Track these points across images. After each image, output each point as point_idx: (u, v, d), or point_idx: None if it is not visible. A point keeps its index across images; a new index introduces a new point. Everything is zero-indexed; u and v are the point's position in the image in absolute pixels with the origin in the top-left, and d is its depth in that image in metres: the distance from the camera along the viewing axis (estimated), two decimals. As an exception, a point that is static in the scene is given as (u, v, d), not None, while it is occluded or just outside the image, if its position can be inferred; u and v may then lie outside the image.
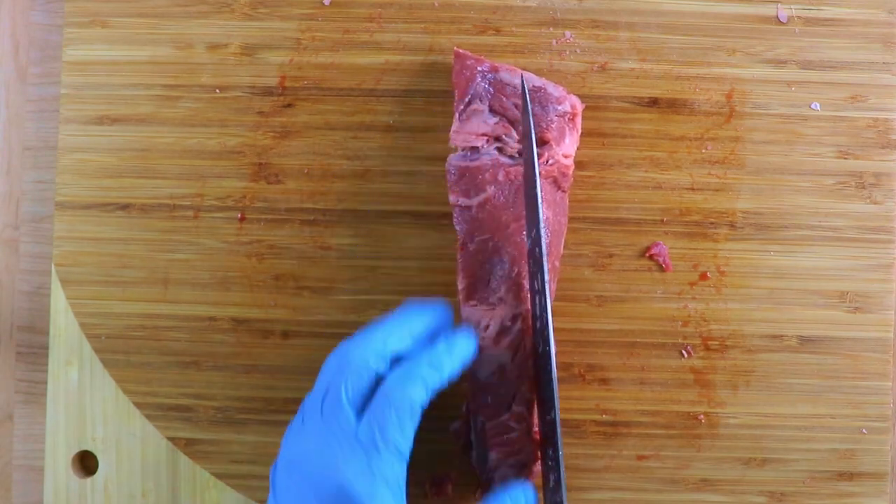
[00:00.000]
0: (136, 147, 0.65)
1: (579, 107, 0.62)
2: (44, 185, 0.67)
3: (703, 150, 0.65)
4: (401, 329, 0.55)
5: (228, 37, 0.65)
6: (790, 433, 0.64)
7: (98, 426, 0.65)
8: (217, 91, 0.65)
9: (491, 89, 0.61)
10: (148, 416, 0.65)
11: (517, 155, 0.60)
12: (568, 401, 0.65)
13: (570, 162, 0.61)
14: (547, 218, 0.60)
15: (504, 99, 0.60)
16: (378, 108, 0.65)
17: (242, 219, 0.65)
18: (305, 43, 0.65)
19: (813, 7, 0.65)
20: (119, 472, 0.65)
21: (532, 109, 0.60)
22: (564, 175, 0.61)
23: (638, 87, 0.65)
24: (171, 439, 0.65)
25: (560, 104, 0.61)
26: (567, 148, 0.61)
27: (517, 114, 0.60)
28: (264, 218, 0.65)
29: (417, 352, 0.54)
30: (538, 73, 0.64)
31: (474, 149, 0.60)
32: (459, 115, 0.61)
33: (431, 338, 0.56)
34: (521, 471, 0.59)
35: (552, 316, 0.55)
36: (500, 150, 0.60)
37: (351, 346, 0.54)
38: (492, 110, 0.61)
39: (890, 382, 0.65)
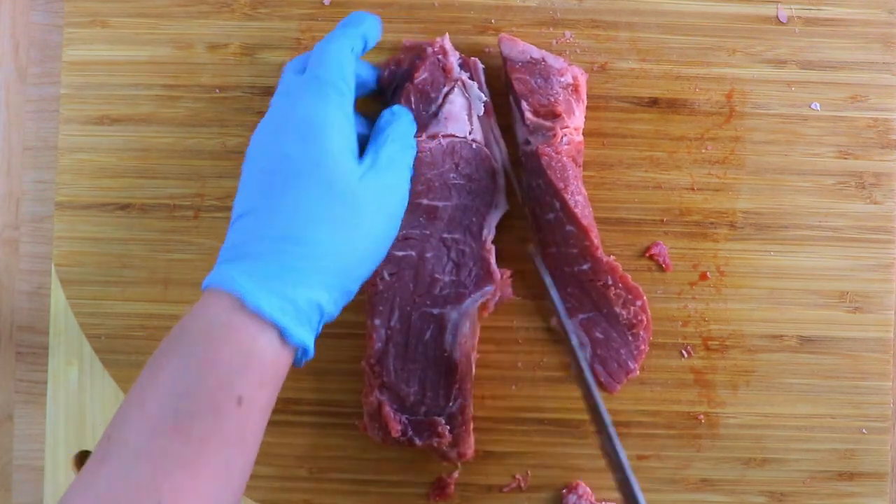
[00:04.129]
0: (136, 147, 0.65)
1: (582, 77, 0.62)
2: (44, 185, 0.67)
3: (703, 150, 0.65)
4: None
5: (228, 37, 0.65)
6: (790, 433, 0.64)
7: (98, 426, 0.65)
8: (217, 91, 0.65)
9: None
10: (148, 416, 0.65)
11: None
12: (568, 401, 0.65)
13: (581, 137, 0.61)
14: (585, 195, 0.61)
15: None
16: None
17: (242, 219, 0.65)
18: (305, 43, 0.65)
19: (813, 7, 0.65)
20: (119, 472, 0.65)
21: (535, 82, 0.60)
22: (580, 152, 0.61)
23: (638, 87, 0.65)
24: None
25: (562, 76, 0.61)
26: (577, 121, 0.61)
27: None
28: (264, 218, 0.65)
29: None
30: (538, 73, 0.64)
31: None
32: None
33: None
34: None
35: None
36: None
37: None
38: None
39: (890, 382, 0.65)
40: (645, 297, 0.62)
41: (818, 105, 0.65)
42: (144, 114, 0.65)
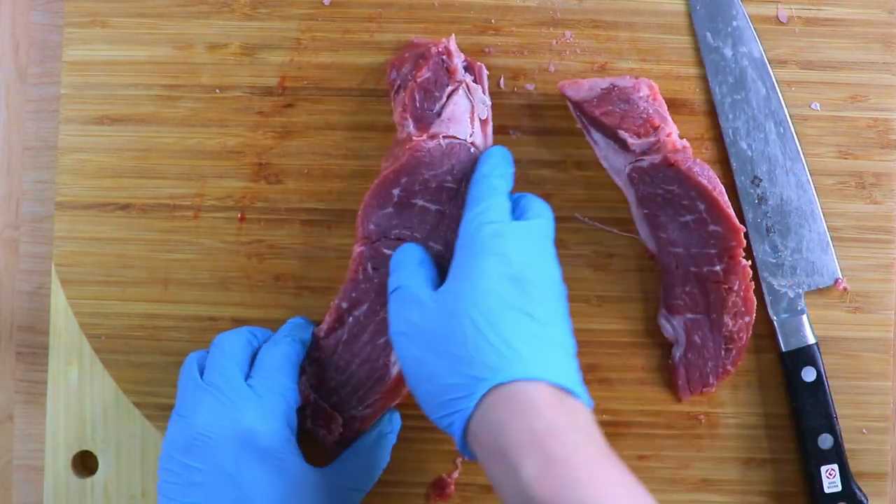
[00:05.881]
0: (136, 147, 0.65)
1: (654, 85, 0.61)
2: (44, 185, 0.67)
3: (704, 150, 0.65)
4: (264, 330, 0.62)
5: (228, 37, 0.65)
6: (790, 433, 0.64)
7: (98, 426, 0.65)
8: (217, 91, 0.65)
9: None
10: (148, 416, 0.65)
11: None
12: (568, 401, 0.65)
13: (683, 141, 0.60)
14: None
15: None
16: (378, 108, 0.65)
17: (242, 219, 0.65)
18: (305, 43, 0.65)
19: (813, 7, 0.65)
20: (119, 472, 0.65)
21: (620, 108, 0.60)
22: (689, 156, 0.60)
23: (638, 87, 0.65)
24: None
25: (638, 91, 0.60)
26: (672, 126, 0.60)
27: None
28: (264, 218, 0.65)
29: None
30: (539, 72, 0.64)
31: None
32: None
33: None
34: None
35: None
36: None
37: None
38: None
39: (890, 382, 0.65)
40: (754, 315, 0.62)
41: (818, 105, 0.65)
42: (144, 114, 0.65)
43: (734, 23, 0.64)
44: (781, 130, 0.64)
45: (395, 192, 0.59)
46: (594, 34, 0.65)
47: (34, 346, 0.67)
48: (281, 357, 0.58)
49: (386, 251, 0.59)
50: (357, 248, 0.60)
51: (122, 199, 0.65)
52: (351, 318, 0.59)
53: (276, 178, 0.65)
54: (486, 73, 0.62)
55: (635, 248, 0.65)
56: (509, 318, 0.52)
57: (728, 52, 0.64)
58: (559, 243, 0.64)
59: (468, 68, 0.61)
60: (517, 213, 0.57)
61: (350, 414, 0.59)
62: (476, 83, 0.61)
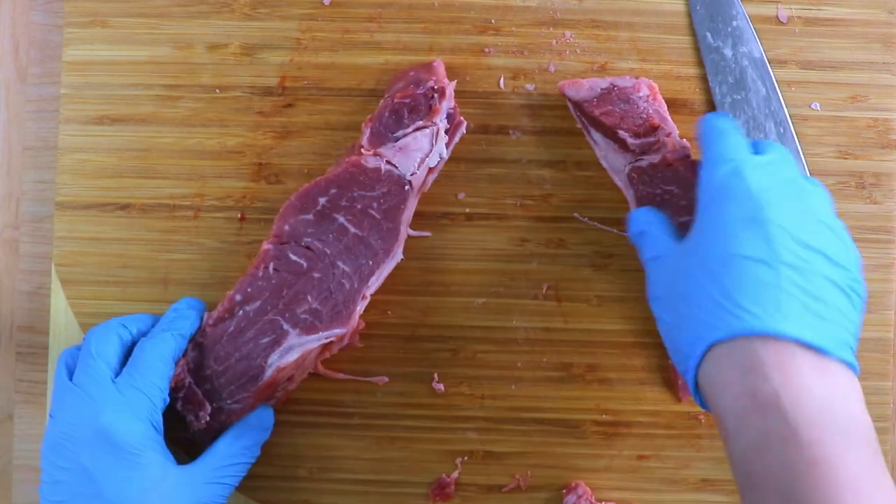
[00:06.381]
0: (136, 147, 0.65)
1: (654, 85, 0.61)
2: (44, 185, 0.67)
3: (703, 150, 0.65)
4: (141, 318, 0.61)
5: (228, 37, 0.65)
6: (790, 433, 0.64)
7: (98, 426, 0.65)
8: (217, 91, 0.65)
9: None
10: (148, 416, 0.65)
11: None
12: (568, 401, 0.65)
13: (683, 141, 0.60)
14: None
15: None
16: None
17: (242, 219, 0.65)
18: (305, 43, 0.65)
19: (813, 7, 0.65)
20: (119, 472, 0.65)
21: (620, 108, 0.60)
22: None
23: (638, 87, 0.65)
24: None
25: (638, 91, 0.61)
26: (671, 125, 0.60)
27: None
28: (264, 218, 0.65)
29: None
30: (539, 72, 0.64)
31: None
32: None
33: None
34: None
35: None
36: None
37: (93, 329, 0.60)
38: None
39: (890, 382, 0.65)
40: None
41: (818, 105, 0.65)
42: (144, 114, 0.65)
43: (734, 23, 0.64)
44: (781, 130, 0.64)
45: (322, 200, 0.60)
46: (594, 34, 0.65)
47: (34, 346, 0.67)
48: (154, 355, 0.57)
49: (292, 256, 0.59)
50: (265, 245, 0.59)
51: (122, 199, 0.65)
52: (241, 312, 0.59)
53: (276, 178, 0.65)
54: (463, 131, 0.63)
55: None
56: (744, 268, 0.51)
57: (728, 52, 0.64)
58: (559, 243, 0.65)
59: (450, 116, 0.61)
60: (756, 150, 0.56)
61: (218, 405, 0.59)
62: (446, 134, 0.61)
